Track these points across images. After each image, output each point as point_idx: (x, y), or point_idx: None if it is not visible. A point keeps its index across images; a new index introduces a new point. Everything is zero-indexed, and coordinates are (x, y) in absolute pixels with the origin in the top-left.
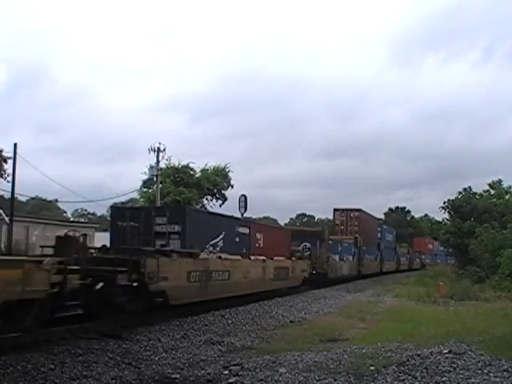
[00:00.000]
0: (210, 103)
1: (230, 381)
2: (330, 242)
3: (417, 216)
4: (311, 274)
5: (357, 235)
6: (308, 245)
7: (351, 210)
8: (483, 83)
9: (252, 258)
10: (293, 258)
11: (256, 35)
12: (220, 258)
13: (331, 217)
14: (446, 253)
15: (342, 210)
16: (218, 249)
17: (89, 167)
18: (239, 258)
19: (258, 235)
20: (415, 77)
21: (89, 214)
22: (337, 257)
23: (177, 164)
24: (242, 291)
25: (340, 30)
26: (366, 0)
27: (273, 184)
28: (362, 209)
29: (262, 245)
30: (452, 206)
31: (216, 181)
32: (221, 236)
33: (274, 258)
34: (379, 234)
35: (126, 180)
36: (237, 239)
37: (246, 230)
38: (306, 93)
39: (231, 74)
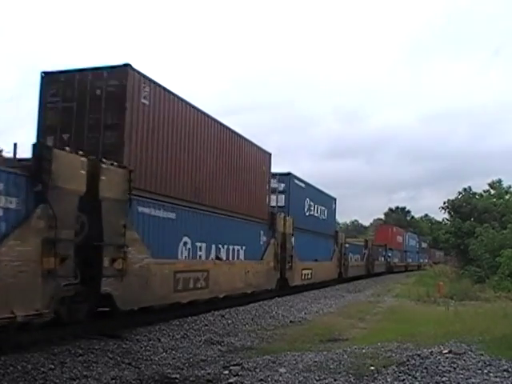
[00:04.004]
0: (217, 104)
1: (229, 381)
2: None
3: (417, 216)
4: None
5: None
6: None
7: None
8: (488, 84)
9: None
10: None
11: (265, 37)
12: None
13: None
14: (418, 249)
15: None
16: None
17: None
18: None
19: None
20: (422, 78)
21: None
22: None
23: None
24: None
25: (347, 33)
26: (374, 3)
27: None
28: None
29: None
30: (452, 206)
31: None
32: None
33: None
34: (283, 198)
35: None
36: None
37: None
38: (312, 94)
39: (239, 76)
